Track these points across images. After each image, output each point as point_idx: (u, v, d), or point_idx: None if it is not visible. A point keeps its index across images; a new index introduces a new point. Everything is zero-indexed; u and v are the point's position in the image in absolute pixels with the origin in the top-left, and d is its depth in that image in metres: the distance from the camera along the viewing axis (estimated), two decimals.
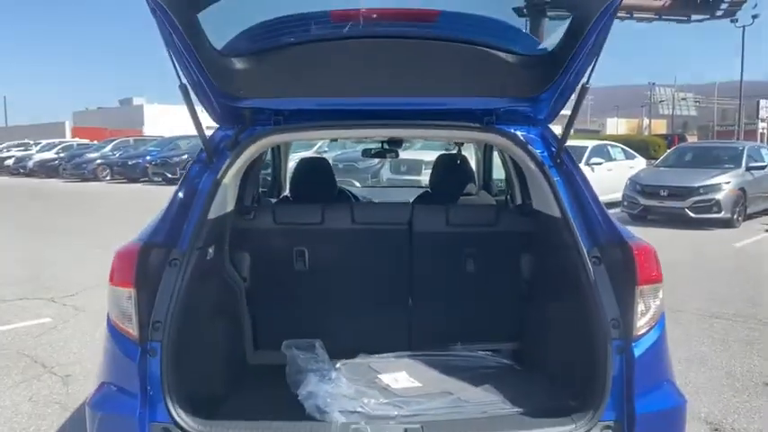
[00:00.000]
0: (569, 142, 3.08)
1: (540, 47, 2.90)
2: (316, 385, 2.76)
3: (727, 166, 14.81)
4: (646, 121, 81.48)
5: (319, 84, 2.84)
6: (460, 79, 2.84)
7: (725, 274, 9.07)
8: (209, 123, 2.94)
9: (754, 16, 41.59)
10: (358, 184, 10.75)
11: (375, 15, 2.71)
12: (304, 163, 4.45)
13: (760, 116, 50.68)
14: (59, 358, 5.53)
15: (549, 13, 3.13)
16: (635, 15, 33.00)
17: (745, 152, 15.30)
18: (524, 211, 3.72)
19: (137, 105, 67.39)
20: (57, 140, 40.76)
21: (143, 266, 2.54)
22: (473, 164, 5.81)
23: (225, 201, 3.03)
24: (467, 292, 3.69)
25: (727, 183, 13.84)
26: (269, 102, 2.92)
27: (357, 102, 2.94)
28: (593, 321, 2.56)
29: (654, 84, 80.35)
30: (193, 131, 2.91)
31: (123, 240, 2.78)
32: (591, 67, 2.64)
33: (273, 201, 4.96)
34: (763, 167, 15.18)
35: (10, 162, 36.89)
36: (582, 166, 15.36)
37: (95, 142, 38.42)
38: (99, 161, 31.10)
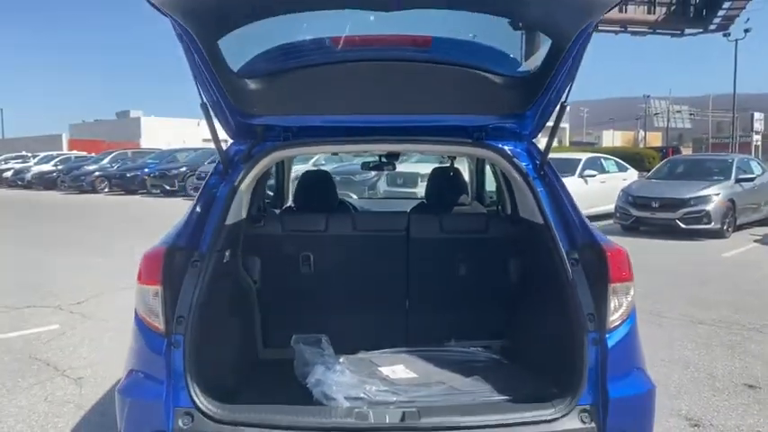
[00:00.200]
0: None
1: (524, 69, 3.20)
2: (323, 374, 3.03)
3: (716, 178, 15.01)
4: (641, 133, 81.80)
5: (325, 103, 3.12)
6: (453, 98, 3.12)
7: (712, 283, 9.27)
8: (222, 136, 3.24)
9: (746, 30, 42.17)
10: (355, 197, 10.91)
11: (375, 41, 3.02)
12: (308, 176, 4.74)
13: (754, 129, 51.02)
14: (70, 362, 5.70)
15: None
16: (629, 29, 33.40)
17: (735, 164, 15.54)
18: (512, 219, 4.00)
19: (134, 118, 67.40)
20: (55, 153, 40.85)
21: (168, 267, 2.80)
22: (466, 176, 6.11)
23: (239, 209, 3.32)
24: (459, 293, 3.98)
25: (717, 194, 14.05)
26: (279, 119, 3.21)
27: (359, 119, 3.23)
28: (571, 316, 2.82)
29: (649, 96, 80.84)
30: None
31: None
32: (569, 87, 2.95)
33: (277, 211, 5.24)
34: (752, 179, 15.43)
35: (8, 174, 36.95)
36: (576, 178, 15.73)
37: (93, 155, 38.51)
38: (97, 173, 31.17)
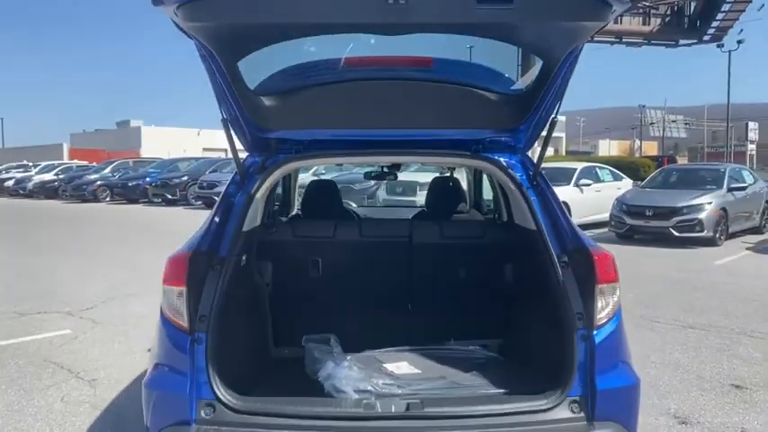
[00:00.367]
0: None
1: (518, 87, 3.47)
2: (333, 369, 3.27)
3: (709, 186, 15.21)
4: (637, 142, 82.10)
5: (334, 118, 3.38)
6: (452, 114, 3.38)
7: (703, 289, 9.43)
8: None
9: (740, 41, 42.67)
10: (354, 205, 11.13)
11: (380, 62, 3.29)
12: (315, 185, 5.00)
13: (749, 138, 51.41)
14: (83, 365, 5.87)
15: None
16: (624, 40, 33.79)
17: (727, 174, 15.75)
18: (507, 226, 4.26)
19: (134, 127, 67.43)
20: (56, 162, 41.01)
21: (192, 269, 3.03)
22: (465, 185, 6.38)
23: (255, 216, 3.58)
24: (458, 295, 4.24)
25: (710, 203, 14.24)
26: (292, 133, 3.47)
27: (365, 133, 3.50)
28: (562, 315, 3.06)
29: (644, 106, 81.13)
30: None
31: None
32: (558, 104, 3.22)
33: (284, 218, 5.48)
34: (743, 188, 15.66)
35: (10, 183, 37.06)
36: (571, 187, 15.96)
37: (94, 164, 38.68)
38: (99, 182, 31.31)
